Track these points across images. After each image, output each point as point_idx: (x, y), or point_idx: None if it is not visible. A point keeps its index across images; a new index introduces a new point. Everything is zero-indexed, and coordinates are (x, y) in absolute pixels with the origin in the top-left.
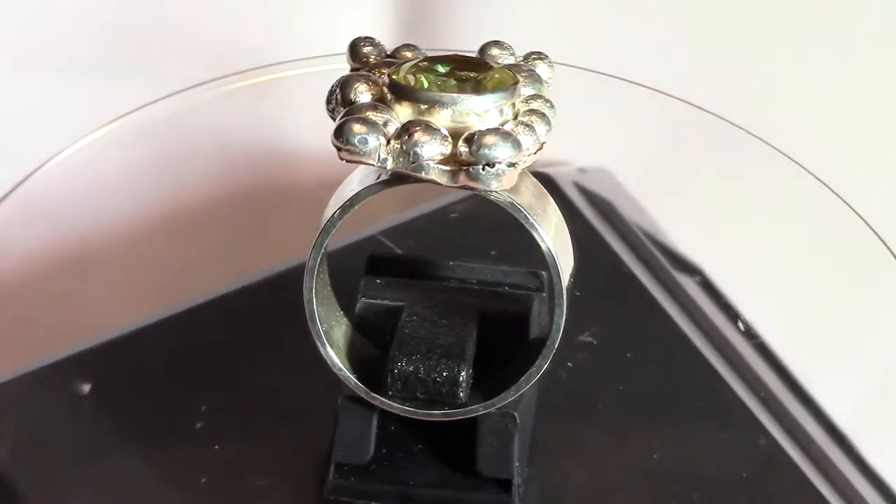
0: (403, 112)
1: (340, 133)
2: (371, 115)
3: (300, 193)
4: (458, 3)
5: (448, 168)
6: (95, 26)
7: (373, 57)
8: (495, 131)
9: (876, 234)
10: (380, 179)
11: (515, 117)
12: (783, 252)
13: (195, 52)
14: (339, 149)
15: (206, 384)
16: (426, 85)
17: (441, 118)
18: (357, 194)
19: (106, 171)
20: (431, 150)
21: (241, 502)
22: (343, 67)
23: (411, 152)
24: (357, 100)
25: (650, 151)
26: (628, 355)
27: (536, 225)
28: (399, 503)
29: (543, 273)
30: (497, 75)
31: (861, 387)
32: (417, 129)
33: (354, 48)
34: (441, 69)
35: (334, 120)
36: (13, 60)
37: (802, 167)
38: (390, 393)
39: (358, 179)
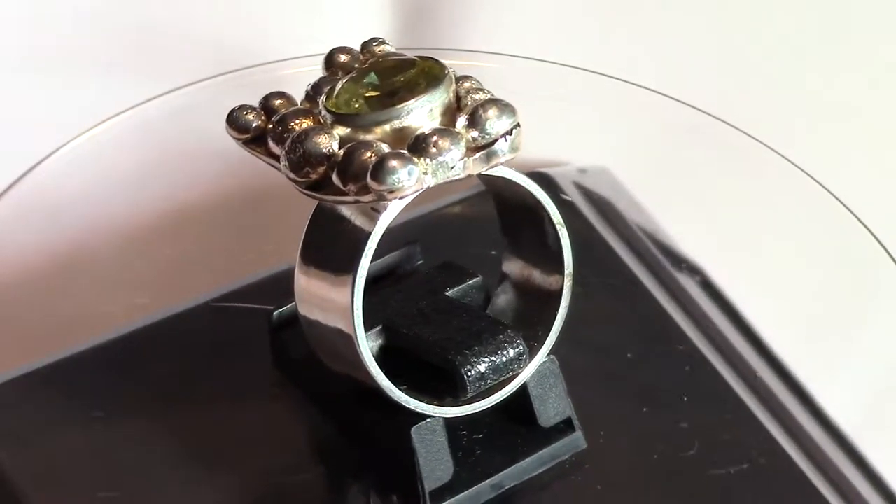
0: (367, 133)
1: (382, 177)
2: (381, 146)
3: (300, 193)
4: (458, 3)
5: (471, 158)
6: (94, 25)
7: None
8: (491, 103)
9: (874, 235)
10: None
11: (459, 98)
12: (783, 252)
13: (194, 51)
14: (383, 194)
15: (207, 383)
16: (360, 106)
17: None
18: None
19: (103, 169)
20: (457, 151)
21: None
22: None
23: (446, 162)
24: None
25: (650, 151)
26: (628, 355)
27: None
28: (497, 491)
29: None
30: (426, 69)
31: (861, 387)
32: (436, 138)
33: (330, 58)
34: (370, 81)
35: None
36: (11, 59)
37: (801, 169)
38: (463, 399)
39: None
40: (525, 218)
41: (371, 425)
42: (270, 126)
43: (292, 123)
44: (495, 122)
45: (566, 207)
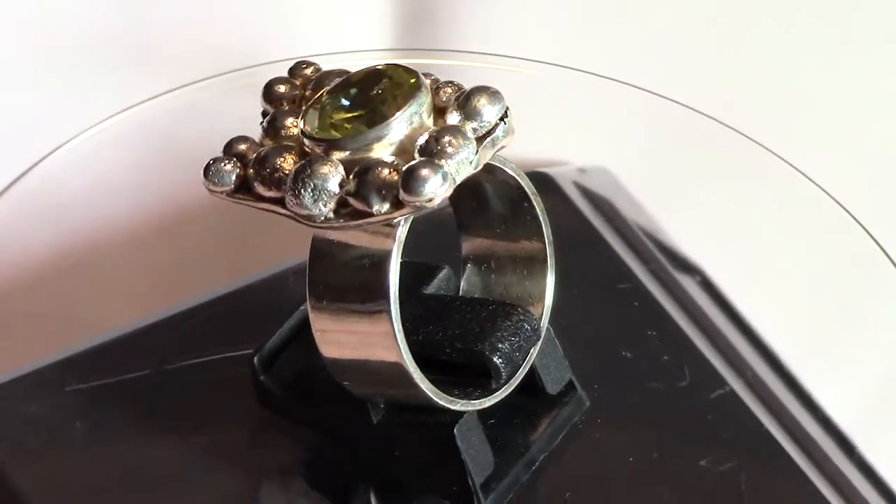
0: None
1: (416, 189)
2: (394, 160)
3: (314, 228)
4: (456, 4)
5: (481, 149)
6: (94, 25)
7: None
8: (479, 91)
9: (871, 236)
10: None
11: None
12: (783, 252)
13: (194, 51)
14: (421, 205)
15: (208, 383)
16: (351, 128)
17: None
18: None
19: (103, 168)
20: (472, 145)
21: None
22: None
23: (465, 159)
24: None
25: (650, 152)
26: (628, 355)
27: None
28: (531, 467)
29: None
30: (395, 76)
31: (861, 386)
32: (446, 139)
33: (269, 88)
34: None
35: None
36: (11, 58)
37: (800, 171)
38: (496, 386)
39: None
40: (482, 195)
41: (403, 438)
42: (252, 171)
43: (278, 162)
44: (489, 109)
45: (566, 207)
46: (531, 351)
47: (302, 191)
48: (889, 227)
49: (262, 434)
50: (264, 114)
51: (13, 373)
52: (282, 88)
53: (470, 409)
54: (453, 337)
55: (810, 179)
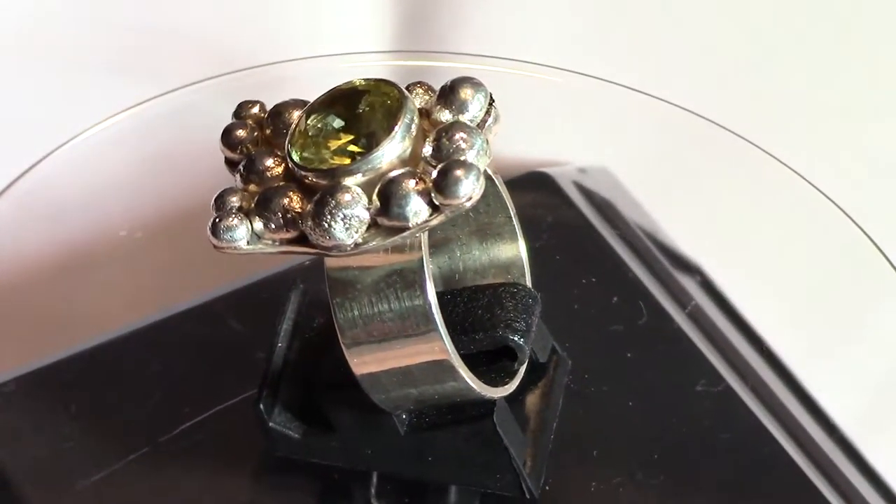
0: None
1: (455, 191)
2: (413, 170)
3: (349, 256)
4: (455, 6)
5: None
6: (93, 26)
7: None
8: (461, 83)
9: (868, 236)
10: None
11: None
12: (782, 252)
13: (194, 51)
14: (461, 206)
15: (208, 385)
16: (357, 147)
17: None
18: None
19: (103, 169)
20: (480, 135)
21: None
22: (342, 68)
23: (482, 149)
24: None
25: (650, 152)
26: (628, 355)
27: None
28: (551, 439)
29: None
30: (378, 88)
31: (861, 386)
32: (457, 135)
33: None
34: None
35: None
36: (11, 58)
37: (798, 174)
38: (517, 366)
39: None
40: None
41: (436, 441)
42: (259, 218)
43: (284, 202)
44: (477, 99)
45: (566, 207)
46: (535, 320)
47: (332, 223)
48: (886, 228)
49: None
50: (231, 162)
51: (13, 373)
52: (241, 133)
53: (503, 394)
54: (468, 328)
55: (808, 181)
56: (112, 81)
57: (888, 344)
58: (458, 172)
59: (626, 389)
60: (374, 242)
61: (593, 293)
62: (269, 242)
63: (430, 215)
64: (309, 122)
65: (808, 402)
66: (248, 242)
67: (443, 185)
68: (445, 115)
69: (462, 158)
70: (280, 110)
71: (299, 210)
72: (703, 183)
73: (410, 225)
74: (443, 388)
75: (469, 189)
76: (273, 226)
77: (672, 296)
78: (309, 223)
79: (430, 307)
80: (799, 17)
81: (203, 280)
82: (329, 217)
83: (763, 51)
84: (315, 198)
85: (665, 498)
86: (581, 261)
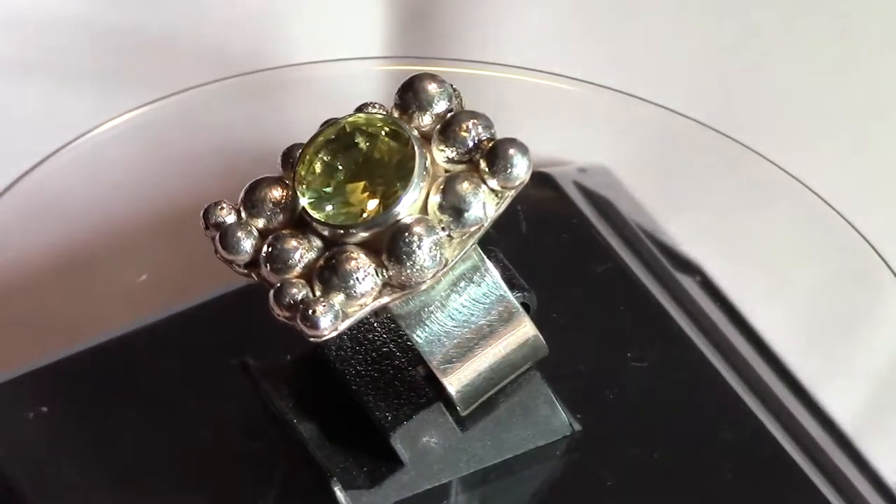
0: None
1: (510, 168)
2: (422, 227)
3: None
4: (455, 13)
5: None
6: (94, 28)
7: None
8: (510, 142)
9: (865, 238)
10: None
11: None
12: (782, 253)
13: (195, 54)
14: (521, 183)
15: (208, 385)
16: (372, 193)
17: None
18: None
19: (103, 171)
20: (488, 122)
21: None
22: (346, 73)
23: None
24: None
25: (650, 152)
26: (628, 355)
27: None
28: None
29: None
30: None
31: (862, 387)
32: (477, 129)
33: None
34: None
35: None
36: (12, 62)
37: (796, 178)
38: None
39: None
40: None
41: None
42: (344, 294)
43: (351, 266)
44: (478, 128)
45: (566, 207)
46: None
47: (420, 262)
48: (884, 229)
49: (263, 432)
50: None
51: (13, 373)
52: (222, 215)
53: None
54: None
55: (805, 185)
56: (115, 84)
57: (888, 344)
58: (512, 150)
59: (626, 389)
60: (412, 287)
61: (593, 293)
62: (357, 308)
63: (496, 204)
64: (306, 175)
65: (809, 402)
66: (336, 318)
67: (498, 162)
68: (440, 107)
69: (499, 138)
70: (251, 190)
71: (373, 267)
72: (702, 183)
73: (484, 223)
74: (516, 357)
75: (522, 167)
76: (356, 293)
77: (672, 296)
78: (391, 273)
79: (502, 287)
80: (797, 21)
81: (203, 280)
82: (414, 257)
83: (760, 55)
84: (389, 249)
85: (665, 498)
86: (581, 261)
